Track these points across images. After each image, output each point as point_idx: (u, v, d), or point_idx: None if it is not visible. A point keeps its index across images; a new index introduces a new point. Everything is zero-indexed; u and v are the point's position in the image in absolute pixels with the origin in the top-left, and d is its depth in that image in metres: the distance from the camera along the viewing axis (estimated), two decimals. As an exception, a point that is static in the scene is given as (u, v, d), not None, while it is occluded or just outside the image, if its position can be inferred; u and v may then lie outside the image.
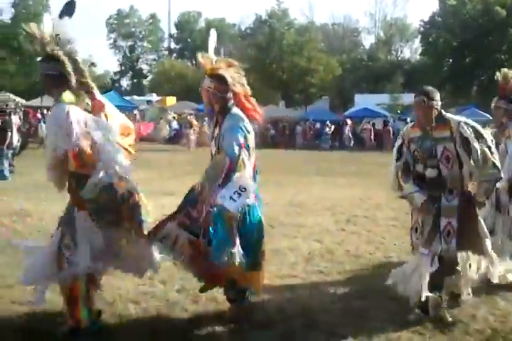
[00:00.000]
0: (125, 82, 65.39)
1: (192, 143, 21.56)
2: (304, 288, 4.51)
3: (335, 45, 49.01)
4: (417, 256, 3.90)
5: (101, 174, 3.16)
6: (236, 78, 3.62)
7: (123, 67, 64.38)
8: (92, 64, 64.48)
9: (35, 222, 6.85)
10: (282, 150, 23.04)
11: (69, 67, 3.22)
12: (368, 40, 57.41)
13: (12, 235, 6.08)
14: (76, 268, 3.20)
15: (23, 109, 24.49)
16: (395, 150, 4.10)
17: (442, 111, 3.90)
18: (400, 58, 50.73)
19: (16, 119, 16.80)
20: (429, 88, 3.95)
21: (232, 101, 3.63)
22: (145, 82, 62.83)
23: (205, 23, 61.88)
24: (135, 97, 35.37)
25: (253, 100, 3.74)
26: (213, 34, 3.83)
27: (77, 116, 3.11)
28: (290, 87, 34.80)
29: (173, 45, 65.65)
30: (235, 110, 3.63)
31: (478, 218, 3.93)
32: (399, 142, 4.09)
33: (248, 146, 3.53)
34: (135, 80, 63.70)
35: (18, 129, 13.82)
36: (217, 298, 4.02)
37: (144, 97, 36.36)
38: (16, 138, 12.22)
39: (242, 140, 3.47)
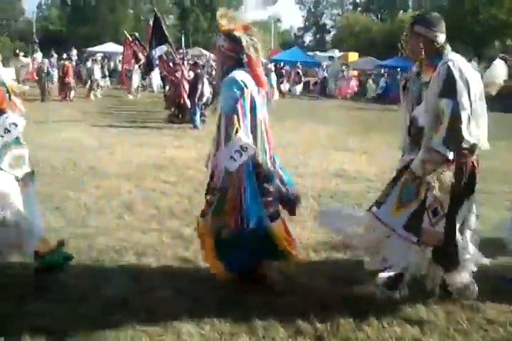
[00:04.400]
0: (308, 38, 65.61)
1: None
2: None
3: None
4: None
5: None
6: (251, 42, 3.35)
7: (306, 23, 64.47)
8: (278, 20, 65.87)
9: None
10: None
11: None
12: None
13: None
14: None
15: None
16: None
17: (446, 48, 3.04)
18: None
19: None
20: (428, 14, 3.15)
21: (243, 63, 3.37)
22: (328, 37, 62.33)
23: (395, -26, 58.47)
24: (318, 53, 35.27)
25: (261, 70, 3.45)
26: None
27: None
28: (485, 42, 31.67)
29: (358, -1, 63.63)
30: (241, 69, 3.34)
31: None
32: None
33: (245, 106, 3.23)
34: (318, 36, 63.54)
35: (210, 82, 14.67)
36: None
37: (327, 53, 36.06)
38: (207, 90, 13.03)
39: (238, 94, 3.21)
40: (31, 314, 3.01)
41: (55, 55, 22.24)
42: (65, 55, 22.22)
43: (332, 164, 8.00)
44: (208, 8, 54.03)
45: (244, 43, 3.31)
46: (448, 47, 3.08)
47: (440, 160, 2.97)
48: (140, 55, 17.11)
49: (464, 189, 3.06)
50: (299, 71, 25.73)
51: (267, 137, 3.38)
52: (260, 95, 3.38)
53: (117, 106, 16.65)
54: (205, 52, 34.33)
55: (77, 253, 3.90)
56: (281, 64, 26.53)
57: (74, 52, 28.69)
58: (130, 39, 18.69)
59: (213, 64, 18.23)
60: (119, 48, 28.69)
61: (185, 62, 14.36)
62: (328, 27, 63.65)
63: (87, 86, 19.28)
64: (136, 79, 20.36)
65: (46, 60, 18.12)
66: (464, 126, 2.87)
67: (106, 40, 36.75)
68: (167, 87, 15.17)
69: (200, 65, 13.97)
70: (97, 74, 19.60)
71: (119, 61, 24.04)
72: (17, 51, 21.41)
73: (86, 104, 16.88)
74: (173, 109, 14.00)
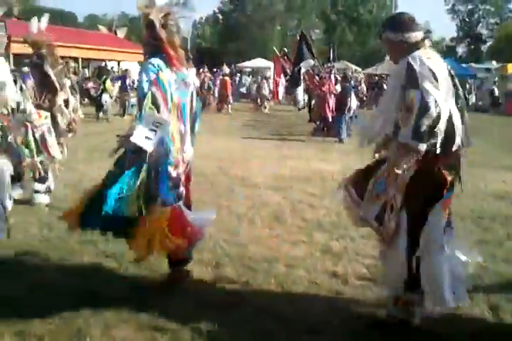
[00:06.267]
0: (461, 49, 62.22)
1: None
2: None
3: None
4: None
5: None
6: (165, 25, 3.31)
7: (460, 33, 61.23)
8: (428, 30, 63.28)
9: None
10: None
11: None
12: None
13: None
14: None
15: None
16: None
17: (421, 46, 2.90)
18: None
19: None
20: (398, 15, 3.08)
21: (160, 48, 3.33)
22: (483, 48, 58.55)
23: None
24: (473, 65, 33.19)
25: (181, 51, 3.39)
26: None
27: None
28: None
29: (520, 6, 59.02)
30: (159, 55, 3.30)
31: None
32: None
33: (164, 88, 3.18)
34: (472, 46, 59.92)
35: (356, 95, 14.59)
36: None
37: (483, 65, 33.82)
38: (354, 103, 12.95)
39: (152, 76, 3.18)
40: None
41: (226, 69, 23.71)
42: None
43: (491, 184, 7.39)
44: (355, 21, 53.86)
45: (156, 26, 3.30)
46: (424, 44, 2.94)
47: (410, 154, 2.75)
48: (288, 70, 17.59)
49: (421, 202, 2.83)
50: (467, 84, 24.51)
51: (181, 125, 3.43)
52: (178, 81, 3.33)
53: (262, 119, 17.17)
54: (350, 65, 34.17)
55: (230, 259, 4.06)
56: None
57: (225, 67, 30.08)
58: (279, 54, 19.28)
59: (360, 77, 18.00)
60: (267, 63, 29.69)
61: (332, 76, 14.31)
62: (484, 37, 59.69)
63: (258, 101, 20.80)
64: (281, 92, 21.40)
65: (208, 75, 19.52)
66: (431, 114, 2.64)
67: (254, 55, 38.19)
68: (313, 101, 15.35)
69: (348, 78, 13.88)
70: (266, 90, 20.71)
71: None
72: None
73: (237, 116, 17.67)
74: (318, 123, 14.10)
